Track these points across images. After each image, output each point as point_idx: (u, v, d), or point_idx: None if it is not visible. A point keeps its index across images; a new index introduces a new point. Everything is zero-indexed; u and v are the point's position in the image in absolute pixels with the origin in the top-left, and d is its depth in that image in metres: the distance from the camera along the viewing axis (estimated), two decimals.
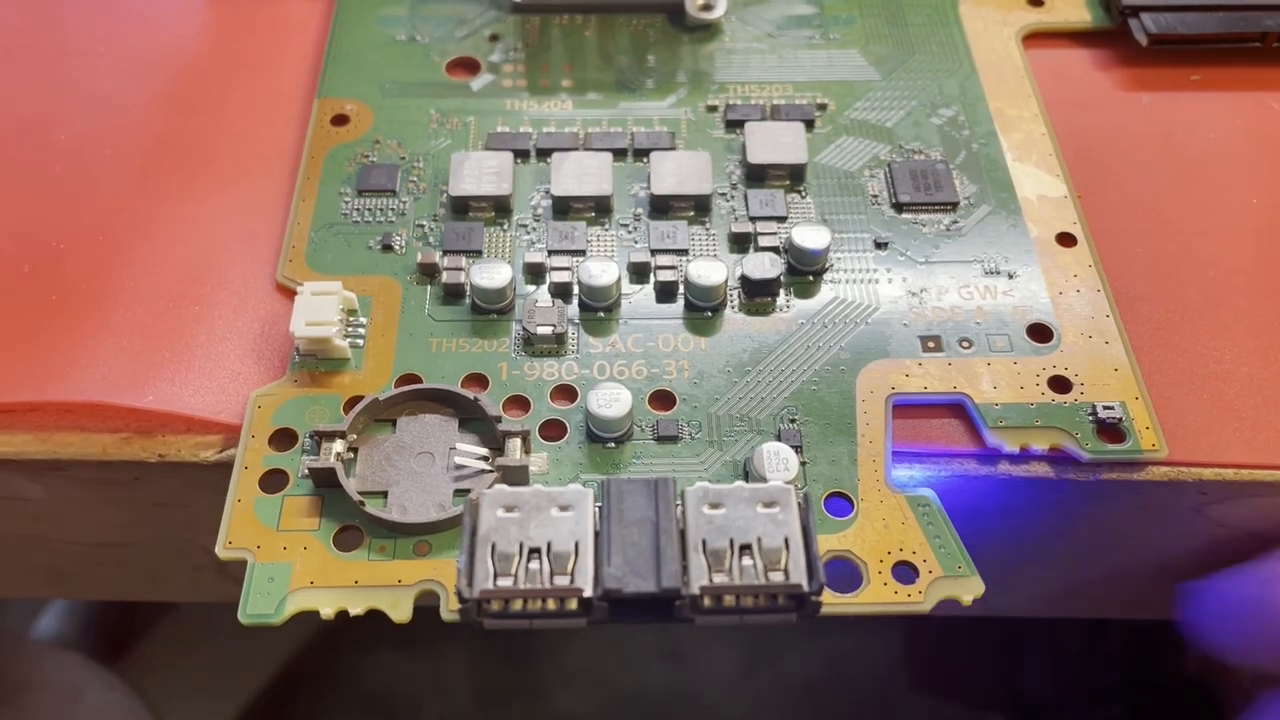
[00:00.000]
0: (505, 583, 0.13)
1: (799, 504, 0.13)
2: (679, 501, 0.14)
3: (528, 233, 0.19)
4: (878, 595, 0.15)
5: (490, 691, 0.41)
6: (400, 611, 0.15)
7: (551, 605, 0.13)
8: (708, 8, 0.23)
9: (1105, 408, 0.17)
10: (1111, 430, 0.17)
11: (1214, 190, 0.21)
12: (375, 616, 0.15)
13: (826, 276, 0.19)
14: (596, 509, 0.14)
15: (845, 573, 0.15)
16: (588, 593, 0.13)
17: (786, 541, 0.13)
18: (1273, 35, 0.22)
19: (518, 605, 0.13)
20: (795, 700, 0.41)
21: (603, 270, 0.18)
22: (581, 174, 0.20)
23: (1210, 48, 0.22)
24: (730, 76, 0.22)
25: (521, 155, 0.20)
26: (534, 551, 0.13)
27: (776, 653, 0.41)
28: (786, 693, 0.41)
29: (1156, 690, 0.38)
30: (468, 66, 0.22)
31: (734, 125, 0.21)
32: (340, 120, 0.21)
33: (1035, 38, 0.23)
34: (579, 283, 0.18)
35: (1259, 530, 0.18)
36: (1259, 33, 0.22)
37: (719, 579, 0.13)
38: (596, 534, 0.13)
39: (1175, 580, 0.20)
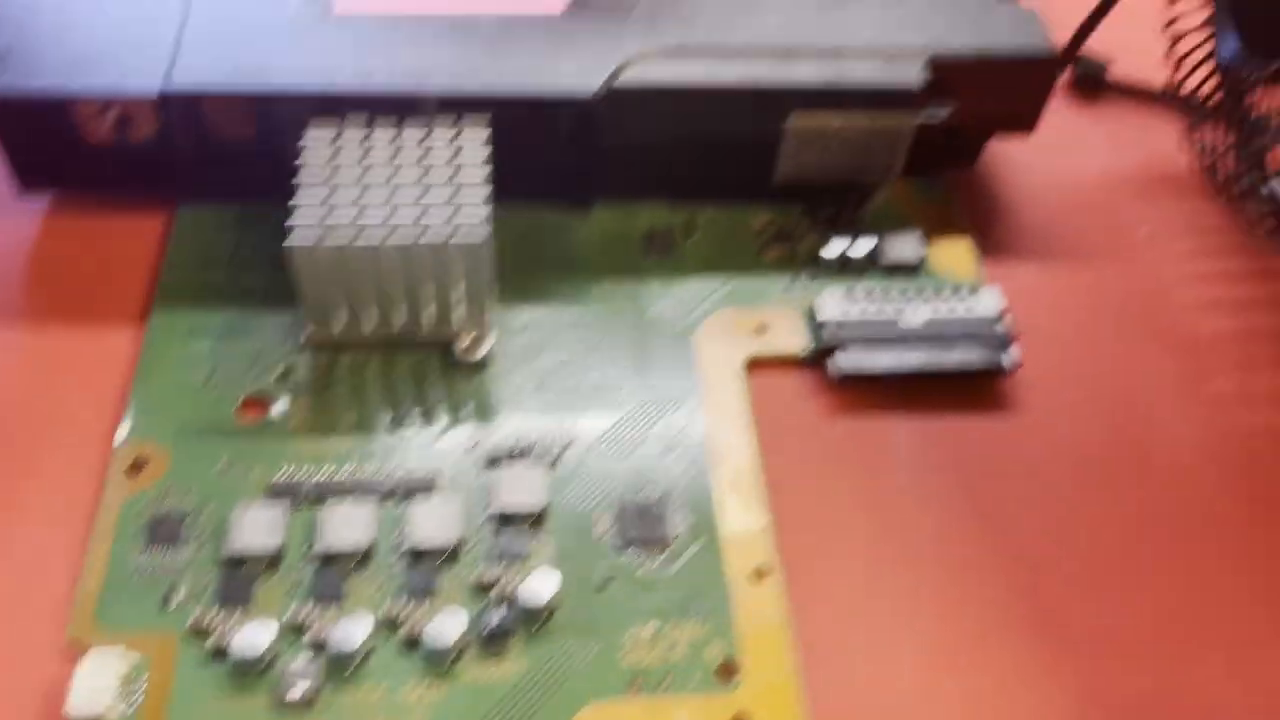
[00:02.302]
0: None
1: None
2: None
3: (295, 585, 0.22)
4: None
5: None
6: None
7: None
8: (475, 347, 0.26)
9: None
10: None
11: (898, 515, 0.25)
12: None
13: (557, 618, 0.22)
14: None
15: None
16: None
17: None
18: (951, 369, 0.26)
19: None
20: None
21: (353, 630, 0.21)
22: (347, 525, 0.23)
23: (897, 380, 0.27)
24: (494, 413, 0.25)
25: (297, 502, 0.23)
26: None
27: None
28: None
29: None
30: (259, 405, 0.25)
31: (490, 465, 0.24)
32: (135, 469, 0.24)
33: (758, 364, 0.27)
34: (330, 640, 0.21)
35: None
36: (937, 369, 0.26)
37: None
38: None
39: None
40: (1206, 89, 0.29)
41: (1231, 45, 0.27)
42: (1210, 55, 0.28)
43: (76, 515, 0.23)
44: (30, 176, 0.28)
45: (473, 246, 0.24)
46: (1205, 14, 0.28)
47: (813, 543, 0.24)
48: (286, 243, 0.24)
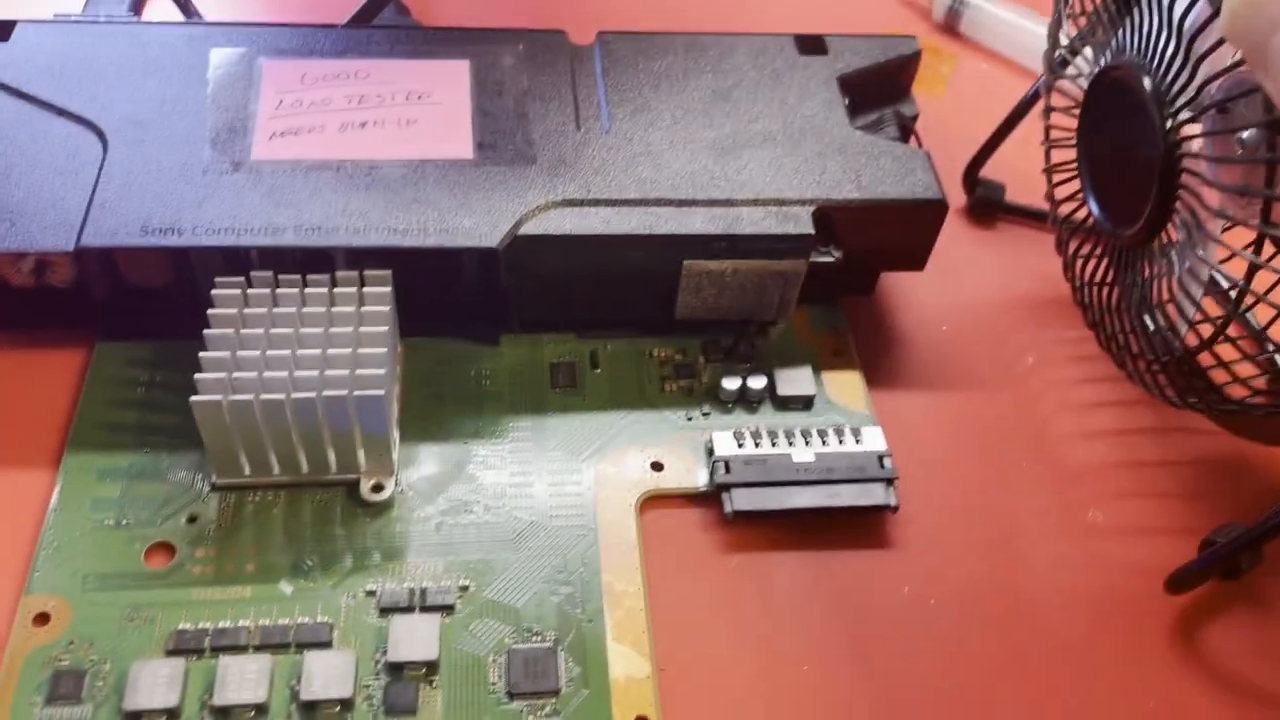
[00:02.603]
0: None
1: None
2: None
3: None
4: None
5: None
6: None
7: None
8: (378, 488, 0.27)
9: None
10: None
11: (783, 652, 0.26)
12: None
13: None
14: None
15: None
16: None
17: None
18: (840, 506, 0.28)
19: None
20: None
21: None
22: (243, 679, 0.23)
23: (791, 517, 0.28)
24: (392, 556, 0.26)
25: (197, 654, 0.24)
26: None
27: None
28: None
29: None
30: (166, 551, 0.26)
31: (386, 612, 0.25)
32: (42, 619, 0.24)
33: (653, 500, 0.28)
34: None
35: None
36: (825, 506, 0.28)
37: None
38: None
39: None
40: (1081, 220, 0.31)
41: (1094, 206, 0.28)
42: (1083, 202, 0.29)
43: None
44: None
45: (372, 399, 0.25)
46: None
47: (697, 686, 0.25)
48: (192, 399, 0.25)
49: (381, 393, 0.25)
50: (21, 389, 0.29)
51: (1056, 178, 0.31)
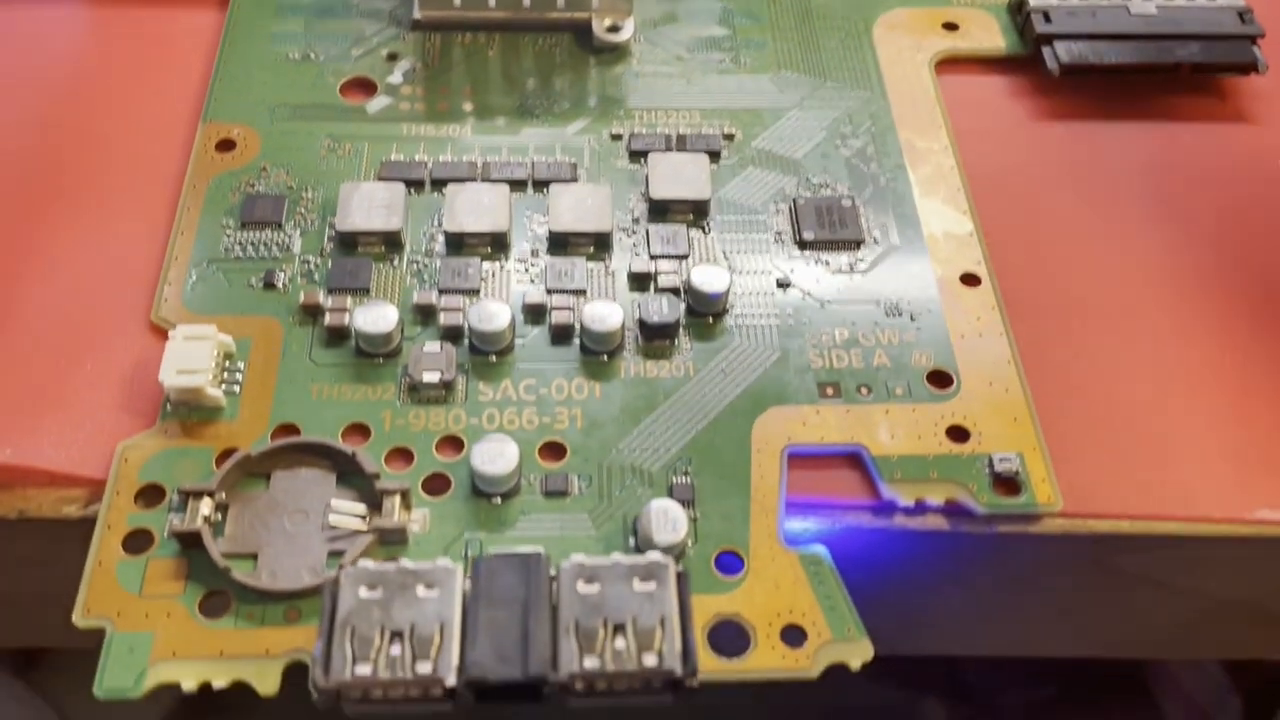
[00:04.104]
0: (364, 670, 0.12)
1: (677, 579, 0.13)
2: (554, 576, 0.13)
3: (419, 270, 0.19)
4: (765, 660, 0.15)
5: None
6: (267, 684, 0.14)
7: (415, 693, 0.12)
8: (615, 29, 0.22)
9: (1002, 460, 0.16)
10: (1008, 483, 0.16)
11: (1122, 225, 0.20)
12: None
13: (726, 319, 0.18)
14: (467, 584, 0.13)
15: (733, 636, 0.15)
16: (450, 682, 0.12)
17: (662, 620, 0.13)
18: (1186, 65, 0.22)
19: (379, 693, 0.12)
20: None
21: (495, 313, 0.17)
22: (477, 207, 0.19)
23: (1122, 78, 0.22)
24: (637, 102, 0.21)
25: (416, 185, 0.20)
26: (396, 635, 0.12)
27: None
28: None
29: (1087, 671, 0.38)
30: (364, 88, 0.21)
31: (638, 155, 0.20)
32: (226, 145, 0.20)
33: (948, 64, 0.23)
34: (469, 325, 0.17)
35: (1157, 577, 0.18)
36: (1171, 63, 0.22)
37: (590, 664, 0.12)
38: (465, 613, 0.13)
39: (1076, 620, 0.20)
40: None
41: None
42: None
43: (161, 196, 0.20)
44: None
45: None
46: None
47: (1026, 249, 0.20)
48: None
49: None
50: None
51: None
